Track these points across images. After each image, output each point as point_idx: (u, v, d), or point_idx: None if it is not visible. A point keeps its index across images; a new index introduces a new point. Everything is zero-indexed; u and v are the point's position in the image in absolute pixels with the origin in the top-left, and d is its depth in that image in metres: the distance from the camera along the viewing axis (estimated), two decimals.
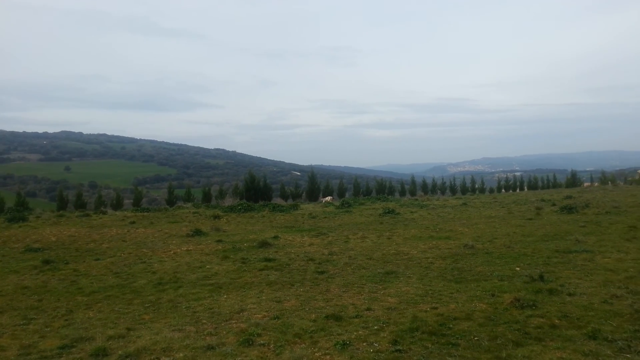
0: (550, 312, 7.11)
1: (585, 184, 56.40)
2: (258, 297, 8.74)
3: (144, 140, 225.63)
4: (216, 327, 7.08)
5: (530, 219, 19.37)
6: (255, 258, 12.66)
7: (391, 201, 35.09)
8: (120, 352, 6.11)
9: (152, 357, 5.95)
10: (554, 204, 25.36)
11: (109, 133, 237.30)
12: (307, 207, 31.89)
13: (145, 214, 27.55)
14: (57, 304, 8.78)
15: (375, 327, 6.77)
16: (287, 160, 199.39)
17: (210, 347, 6.21)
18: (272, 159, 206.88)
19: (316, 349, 6.07)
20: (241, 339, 6.45)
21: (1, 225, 22.02)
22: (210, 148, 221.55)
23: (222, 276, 10.68)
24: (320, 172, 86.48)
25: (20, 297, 9.35)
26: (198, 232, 17.89)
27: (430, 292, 8.64)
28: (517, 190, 53.92)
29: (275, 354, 5.98)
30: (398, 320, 7.03)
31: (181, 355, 6.01)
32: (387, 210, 24.95)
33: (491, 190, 53.87)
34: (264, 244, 14.55)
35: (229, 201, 38.94)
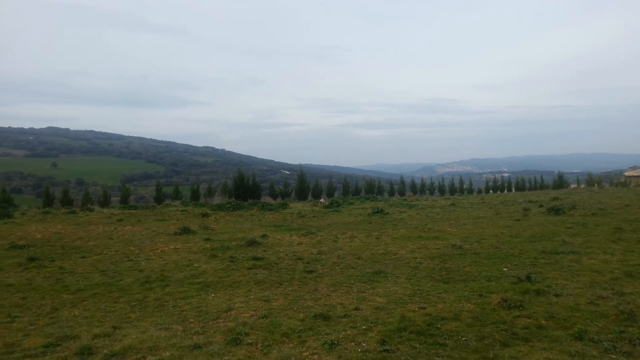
0: (537, 313, 7.16)
1: (572, 186, 57.00)
2: (246, 296, 8.69)
3: (132, 137, 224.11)
4: (203, 326, 7.03)
5: (518, 220, 19.51)
6: (243, 257, 12.60)
7: (380, 201, 35.15)
8: (105, 350, 6.04)
9: (138, 356, 5.89)
10: (541, 205, 25.55)
11: (96, 129, 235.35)
12: (296, 206, 31.83)
13: (132, 211, 27.31)
14: (42, 301, 8.67)
15: (364, 327, 6.77)
16: (276, 159, 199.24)
17: (197, 346, 6.16)
18: (261, 157, 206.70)
19: (304, 349, 6.05)
20: (229, 338, 6.41)
21: None
22: (199, 146, 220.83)
23: (209, 275, 10.62)
24: (309, 171, 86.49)
25: (4, 294, 9.21)
26: (186, 231, 17.78)
27: (418, 292, 8.65)
28: (505, 191, 54.28)
29: (262, 353, 5.94)
30: (386, 320, 7.04)
31: (168, 354, 5.95)
32: (376, 210, 24.99)
33: (479, 191, 54.21)
34: (252, 243, 14.49)
35: (217, 199, 38.75)
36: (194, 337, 6.58)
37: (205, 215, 24.43)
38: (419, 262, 11.41)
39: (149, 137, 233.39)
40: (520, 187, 56.11)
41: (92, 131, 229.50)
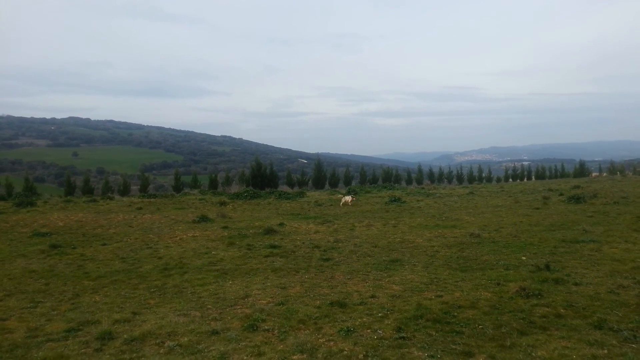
0: (555, 302, 7.07)
1: (594, 174, 56.02)
2: (263, 284, 8.76)
3: (151, 127, 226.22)
4: (221, 313, 7.11)
5: (538, 209, 19.26)
6: (260, 245, 12.69)
7: (397, 189, 35.02)
8: (125, 335, 6.15)
9: (157, 341, 5.99)
10: (561, 194, 25.19)
11: (116, 119, 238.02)
12: (314, 194, 31.90)
13: (152, 200, 27.68)
14: (64, 287, 8.85)
15: (380, 315, 6.77)
16: (294, 148, 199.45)
17: (214, 332, 6.24)
18: (278, 146, 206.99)
19: (320, 335, 6.08)
20: (246, 324, 6.47)
21: (9, 210, 22.21)
22: (216, 135, 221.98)
23: (227, 262, 10.72)
24: (327, 160, 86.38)
25: (28, 280, 9.43)
26: (204, 219, 17.94)
27: (435, 280, 8.62)
28: (525, 180, 53.64)
29: (279, 339, 5.99)
30: (402, 308, 7.03)
31: (186, 339, 6.04)
32: (393, 199, 24.91)
33: (498, 180, 53.63)
34: (269, 231, 14.57)
35: (235, 188, 39.01)
36: (212, 323, 6.66)
37: (223, 203, 24.63)
38: (436, 251, 11.35)
39: (168, 127, 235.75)
40: (541, 176, 55.35)
41: (112, 121, 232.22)
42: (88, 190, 36.55)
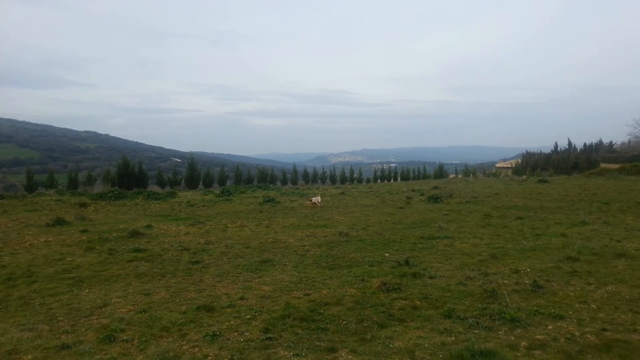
0: (412, 295, 7.59)
1: (451, 176, 61.64)
2: (124, 290, 8.20)
3: (1, 118, 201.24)
4: (74, 325, 6.51)
5: (401, 208, 20.60)
6: (124, 249, 11.89)
7: (272, 190, 35.23)
8: None
9: None
10: (422, 194, 27.25)
11: None
12: (186, 195, 30.80)
13: None
14: None
15: (248, 316, 6.70)
16: (167, 146, 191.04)
17: (65, 347, 5.69)
18: (150, 144, 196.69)
19: (184, 342, 5.84)
20: (102, 336, 5.99)
21: None
22: (79, 130, 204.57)
23: (84, 269, 9.87)
24: (202, 160, 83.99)
25: None
26: (60, 222, 16.37)
27: (304, 279, 8.77)
28: (392, 181, 57.22)
29: (139, 349, 5.64)
30: (271, 308, 7.03)
31: (30, 357, 5.43)
32: (267, 199, 24.97)
33: (368, 180, 56.52)
34: (135, 234, 13.73)
35: (99, 188, 36.27)
36: (62, 336, 6.06)
37: (83, 205, 22.71)
38: (307, 250, 11.58)
39: (21, 120, 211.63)
40: (405, 177, 59.45)
41: None
42: None
